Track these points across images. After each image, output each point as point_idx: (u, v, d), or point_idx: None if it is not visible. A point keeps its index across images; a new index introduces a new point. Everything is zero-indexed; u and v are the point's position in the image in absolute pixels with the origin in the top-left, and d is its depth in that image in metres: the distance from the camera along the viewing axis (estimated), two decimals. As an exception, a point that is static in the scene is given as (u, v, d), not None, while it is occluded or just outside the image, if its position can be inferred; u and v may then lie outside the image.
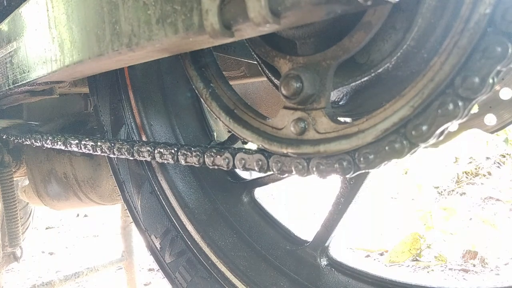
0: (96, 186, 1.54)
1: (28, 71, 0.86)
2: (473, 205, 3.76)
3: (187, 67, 0.77)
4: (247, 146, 1.13)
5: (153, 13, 0.54)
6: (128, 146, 0.89)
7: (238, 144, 1.07)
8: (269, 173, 0.75)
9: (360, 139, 0.55)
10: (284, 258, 0.91)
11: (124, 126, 1.05)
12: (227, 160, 0.71)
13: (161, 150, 0.83)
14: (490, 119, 0.92)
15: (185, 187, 1.02)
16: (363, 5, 0.41)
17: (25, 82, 0.89)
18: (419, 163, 4.04)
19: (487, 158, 4.45)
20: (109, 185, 1.54)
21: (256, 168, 0.67)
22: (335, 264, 0.86)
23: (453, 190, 4.16)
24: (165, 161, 0.83)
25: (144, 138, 1.03)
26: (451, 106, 0.48)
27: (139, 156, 0.87)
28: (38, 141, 1.19)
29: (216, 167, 0.74)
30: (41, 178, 1.60)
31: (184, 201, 1.00)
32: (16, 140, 1.33)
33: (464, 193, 4.08)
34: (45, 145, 1.15)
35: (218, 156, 0.73)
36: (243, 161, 0.69)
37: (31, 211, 2.67)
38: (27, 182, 1.77)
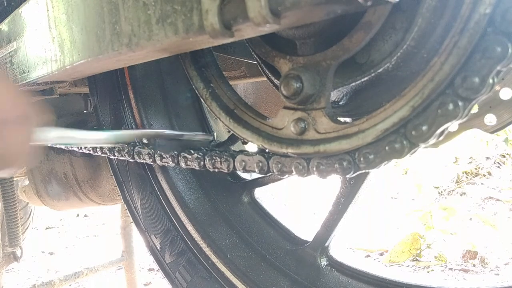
0: (96, 186, 1.54)
1: (28, 71, 0.86)
2: (473, 205, 3.76)
3: (187, 67, 0.77)
4: (247, 147, 1.13)
5: (153, 13, 0.54)
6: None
7: (238, 144, 1.07)
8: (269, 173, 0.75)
9: (360, 139, 0.55)
10: (284, 258, 0.91)
11: (124, 126, 1.05)
12: (227, 163, 0.71)
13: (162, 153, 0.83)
14: (490, 119, 0.92)
15: (185, 187, 1.02)
16: (363, 5, 0.42)
17: (25, 82, 0.89)
18: (419, 163, 4.04)
19: (487, 158, 4.45)
20: (109, 185, 1.54)
21: (256, 170, 0.67)
22: (335, 264, 0.86)
23: (453, 190, 4.16)
24: (166, 164, 0.83)
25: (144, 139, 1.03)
26: (451, 106, 0.48)
27: (140, 159, 0.87)
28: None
29: (216, 170, 0.74)
30: (41, 178, 1.59)
31: (184, 201, 1.00)
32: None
33: (464, 193, 4.08)
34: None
35: (218, 159, 0.73)
36: (243, 163, 0.69)
37: (31, 211, 2.67)
38: (27, 182, 1.77)
